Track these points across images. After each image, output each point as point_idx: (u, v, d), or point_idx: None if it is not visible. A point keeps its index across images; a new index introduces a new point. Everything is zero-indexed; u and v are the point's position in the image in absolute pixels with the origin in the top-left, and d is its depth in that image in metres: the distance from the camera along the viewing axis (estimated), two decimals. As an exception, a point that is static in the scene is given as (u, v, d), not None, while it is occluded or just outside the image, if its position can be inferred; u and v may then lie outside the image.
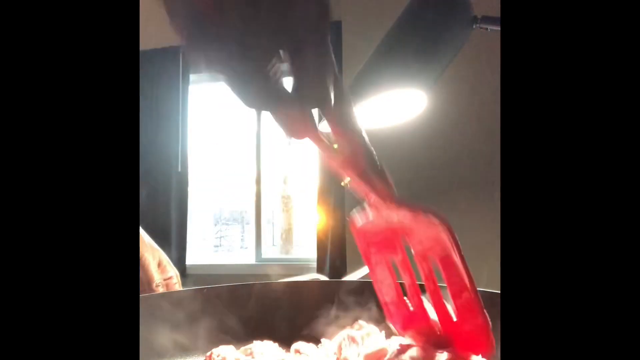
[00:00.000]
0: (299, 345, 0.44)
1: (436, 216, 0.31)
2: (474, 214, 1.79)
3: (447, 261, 0.32)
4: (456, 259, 0.31)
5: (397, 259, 0.35)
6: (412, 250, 0.34)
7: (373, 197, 0.32)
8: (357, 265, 0.76)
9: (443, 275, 0.32)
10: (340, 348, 0.42)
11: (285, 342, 0.46)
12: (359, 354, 0.39)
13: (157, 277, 0.66)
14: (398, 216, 0.32)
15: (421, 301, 0.35)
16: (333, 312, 0.50)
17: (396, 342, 0.40)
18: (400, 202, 0.32)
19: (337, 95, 0.28)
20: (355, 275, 0.72)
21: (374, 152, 0.31)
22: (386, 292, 0.36)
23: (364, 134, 0.30)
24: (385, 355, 0.39)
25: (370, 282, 0.54)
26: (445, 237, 0.31)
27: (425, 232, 0.32)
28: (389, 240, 0.34)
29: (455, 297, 0.32)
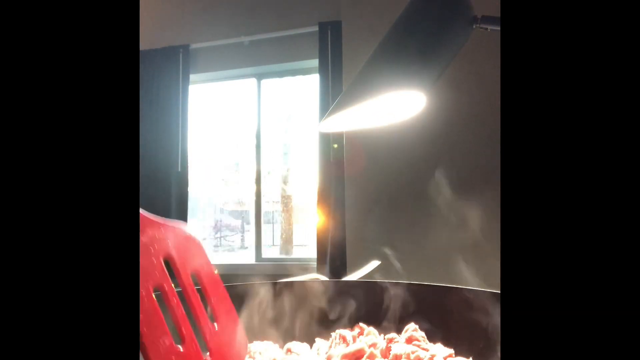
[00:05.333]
0: (291, 344, 0.45)
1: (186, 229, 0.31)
2: (474, 214, 1.79)
3: (212, 277, 0.32)
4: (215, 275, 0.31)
5: (164, 287, 0.30)
6: (176, 271, 0.30)
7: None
8: (357, 265, 0.76)
9: (208, 292, 0.32)
10: (330, 347, 0.43)
11: (285, 342, 0.46)
12: (339, 354, 0.39)
13: None
14: (158, 235, 0.29)
15: (193, 338, 0.32)
16: (333, 312, 0.50)
17: (400, 346, 0.40)
18: (151, 219, 0.30)
19: None
20: (355, 275, 0.72)
21: None
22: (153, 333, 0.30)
23: None
24: (362, 356, 0.39)
25: (370, 282, 0.54)
26: (203, 251, 0.31)
27: (185, 246, 0.30)
28: (148, 266, 0.29)
29: (219, 312, 0.32)
